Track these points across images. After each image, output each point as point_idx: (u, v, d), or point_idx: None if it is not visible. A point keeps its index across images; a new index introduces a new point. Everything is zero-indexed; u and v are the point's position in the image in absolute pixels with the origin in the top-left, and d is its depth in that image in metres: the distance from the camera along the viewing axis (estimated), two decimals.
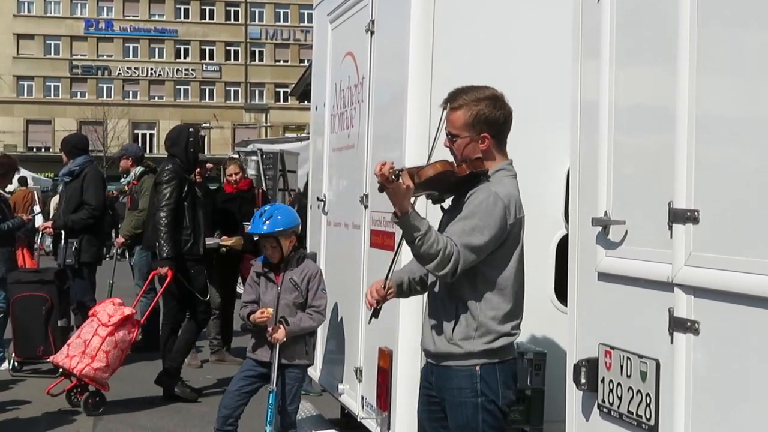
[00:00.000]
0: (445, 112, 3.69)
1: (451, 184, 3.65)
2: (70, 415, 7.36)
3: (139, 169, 10.38)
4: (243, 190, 10.04)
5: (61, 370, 7.31)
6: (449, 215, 3.71)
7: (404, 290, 3.88)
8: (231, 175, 10.05)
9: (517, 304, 3.67)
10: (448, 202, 3.82)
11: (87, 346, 7.00)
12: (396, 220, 3.45)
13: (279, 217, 5.46)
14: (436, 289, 3.73)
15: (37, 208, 10.04)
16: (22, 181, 19.50)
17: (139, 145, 39.12)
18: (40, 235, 13.75)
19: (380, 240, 4.80)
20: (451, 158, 3.68)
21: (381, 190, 3.44)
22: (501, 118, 3.66)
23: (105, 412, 7.42)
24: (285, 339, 5.34)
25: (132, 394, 8.03)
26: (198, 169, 9.37)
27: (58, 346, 8.61)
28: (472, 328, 3.56)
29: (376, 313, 3.78)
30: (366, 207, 5.02)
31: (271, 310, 5.31)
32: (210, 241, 8.90)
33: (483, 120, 3.61)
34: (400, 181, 3.35)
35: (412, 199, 3.57)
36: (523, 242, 3.69)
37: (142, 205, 9.95)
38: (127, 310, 7.27)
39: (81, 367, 6.97)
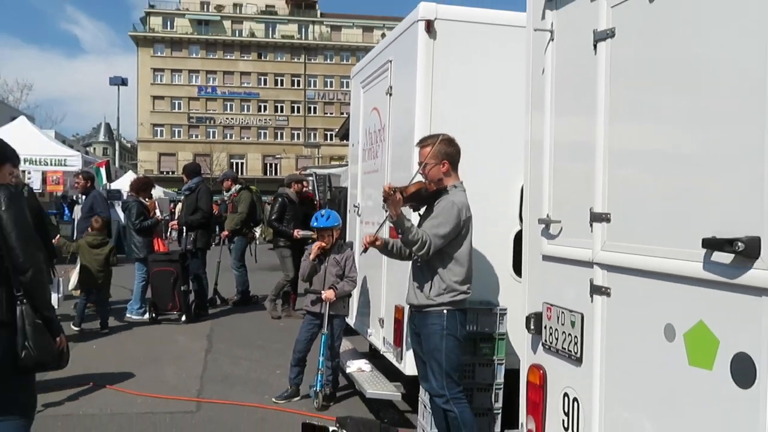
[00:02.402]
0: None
1: (425, 197, 3.93)
2: (190, 348, 7.40)
3: (237, 186, 10.48)
4: (307, 199, 10.00)
5: None
6: (424, 218, 3.96)
7: (388, 249, 4.10)
8: (300, 191, 9.98)
9: (469, 272, 3.84)
10: (422, 211, 4.05)
11: None
12: (393, 220, 3.72)
13: (334, 217, 5.59)
14: (419, 263, 3.91)
15: (158, 212, 10.13)
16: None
17: (233, 170, 39.28)
18: (169, 230, 13.83)
19: (393, 233, 4.81)
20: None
21: (385, 200, 3.73)
22: (453, 151, 3.88)
23: (212, 348, 7.48)
24: (334, 299, 5.41)
25: (231, 337, 8.08)
26: (296, 184, 9.40)
27: (182, 304, 8.77)
28: (442, 288, 3.78)
29: (365, 251, 4.03)
30: (386, 211, 5.04)
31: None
32: (304, 232, 8.80)
33: (443, 152, 3.86)
34: (396, 195, 3.67)
35: (403, 208, 3.85)
36: (472, 234, 3.86)
37: (240, 209, 10.04)
38: None
39: None
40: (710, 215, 2.08)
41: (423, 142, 3.94)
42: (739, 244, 1.93)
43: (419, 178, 3.92)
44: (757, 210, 1.92)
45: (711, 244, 2.03)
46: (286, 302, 9.35)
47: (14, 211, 2.98)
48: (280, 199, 9.17)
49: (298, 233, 8.86)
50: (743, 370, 1.97)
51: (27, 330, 2.97)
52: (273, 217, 9.07)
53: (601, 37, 2.60)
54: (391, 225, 3.82)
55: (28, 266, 2.97)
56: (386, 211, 3.76)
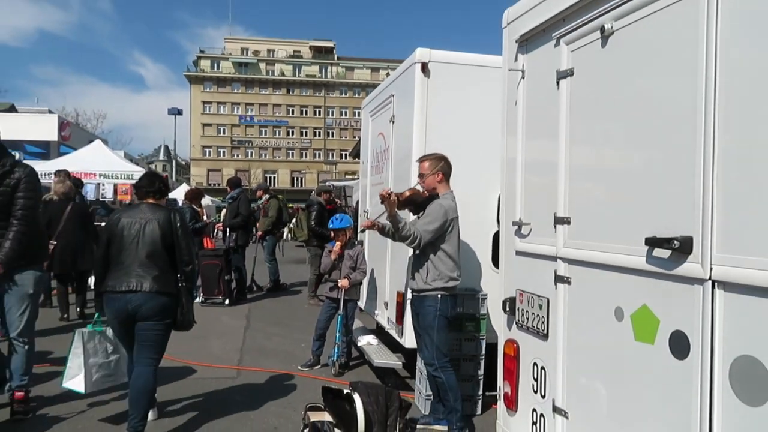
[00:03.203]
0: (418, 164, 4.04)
1: (420, 202, 3.94)
2: (232, 326, 7.38)
3: (267, 195, 10.46)
4: (330, 207, 9.96)
5: None
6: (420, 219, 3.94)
7: (385, 232, 3.96)
8: (327, 200, 9.87)
9: (458, 263, 3.86)
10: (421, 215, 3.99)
11: None
12: (389, 218, 3.73)
13: (347, 219, 5.59)
14: (417, 253, 3.91)
15: (205, 217, 10.04)
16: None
17: (267, 182, 39.34)
18: (215, 231, 13.86)
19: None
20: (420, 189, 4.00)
21: (381, 202, 3.73)
22: (446, 166, 3.94)
23: (250, 326, 7.46)
24: (348, 286, 5.40)
25: (265, 317, 8.07)
26: (324, 194, 9.28)
27: (226, 290, 8.76)
28: (437, 275, 3.78)
29: (362, 231, 4.18)
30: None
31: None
32: None
33: (437, 165, 3.91)
34: (391, 198, 3.66)
35: (400, 212, 3.86)
36: (459, 232, 3.87)
37: (270, 214, 10.00)
38: None
39: None
40: (652, 219, 2.08)
41: (422, 158, 4.01)
42: (675, 242, 1.93)
43: (417, 187, 3.94)
44: (689, 215, 1.92)
45: (652, 242, 2.03)
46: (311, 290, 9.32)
47: (184, 225, 3.70)
48: (317, 206, 8.87)
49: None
50: (679, 345, 1.96)
51: (183, 302, 3.61)
52: (313, 222, 8.74)
53: (562, 75, 2.60)
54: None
55: (190, 261, 3.64)
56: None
